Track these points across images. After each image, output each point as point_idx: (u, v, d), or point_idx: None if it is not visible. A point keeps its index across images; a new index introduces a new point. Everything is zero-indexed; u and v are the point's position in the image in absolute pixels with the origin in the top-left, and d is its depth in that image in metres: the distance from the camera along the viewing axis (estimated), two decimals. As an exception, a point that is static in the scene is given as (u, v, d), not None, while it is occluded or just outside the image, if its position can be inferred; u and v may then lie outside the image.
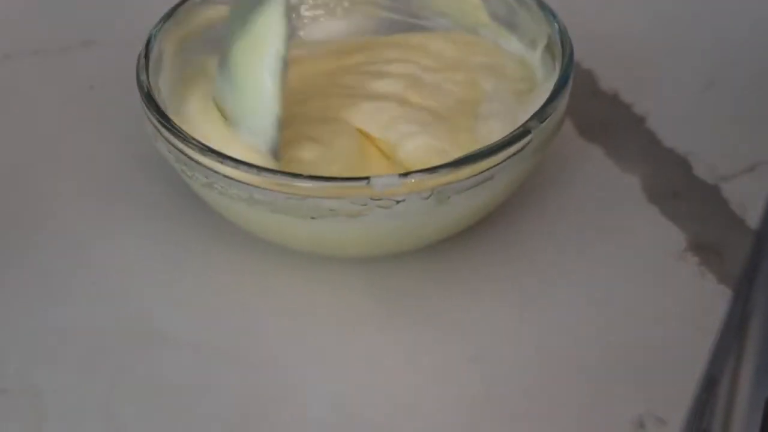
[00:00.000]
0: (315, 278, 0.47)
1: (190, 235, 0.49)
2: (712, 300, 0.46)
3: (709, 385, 0.45)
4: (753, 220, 0.49)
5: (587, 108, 0.54)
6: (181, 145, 0.45)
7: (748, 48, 0.57)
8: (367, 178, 0.43)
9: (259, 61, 0.46)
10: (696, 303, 0.46)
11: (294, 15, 0.54)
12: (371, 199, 0.43)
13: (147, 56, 0.48)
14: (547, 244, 0.48)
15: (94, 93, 0.56)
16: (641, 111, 0.54)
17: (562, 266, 0.47)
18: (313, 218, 0.44)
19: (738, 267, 0.47)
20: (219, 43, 0.47)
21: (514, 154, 0.44)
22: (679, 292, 0.46)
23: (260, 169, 0.44)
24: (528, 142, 0.44)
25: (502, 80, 0.50)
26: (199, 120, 0.47)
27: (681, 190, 0.50)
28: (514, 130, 0.45)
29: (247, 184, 0.44)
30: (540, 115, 0.45)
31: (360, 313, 0.46)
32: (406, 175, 0.43)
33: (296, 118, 0.48)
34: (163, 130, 0.45)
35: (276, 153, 0.46)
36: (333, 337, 0.45)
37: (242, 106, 0.47)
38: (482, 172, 0.44)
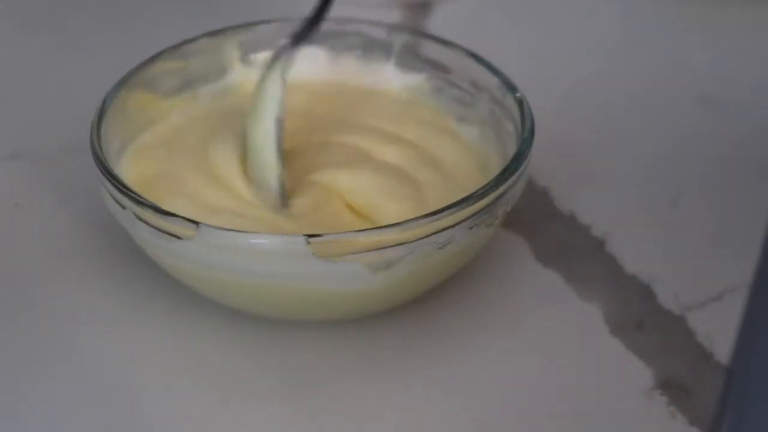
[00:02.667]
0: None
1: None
2: (684, 444, 0.43)
3: None
4: (721, 353, 0.46)
5: (544, 230, 0.52)
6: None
7: (711, 167, 0.55)
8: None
9: (261, 126, 0.48)
10: (667, 448, 0.43)
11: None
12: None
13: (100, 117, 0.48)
14: (500, 381, 0.46)
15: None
16: (600, 233, 0.52)
17: (520, 402, 0.45)
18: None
19: (710, 406, 0.44)
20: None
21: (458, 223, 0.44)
22: (648, 436, 0.43)
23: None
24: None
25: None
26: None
27: (645, 321, 0.48)
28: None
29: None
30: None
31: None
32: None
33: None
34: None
35: (283, 203, 0.48)
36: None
37: (253, 165, 0.48)
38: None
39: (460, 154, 0.50)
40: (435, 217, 0.44)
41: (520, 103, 0.49)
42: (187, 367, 0.46)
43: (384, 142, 0.51)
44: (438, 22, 0.63)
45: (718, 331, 0.47)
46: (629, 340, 0.47)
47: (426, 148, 0.51)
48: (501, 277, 0.49)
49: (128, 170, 0.49)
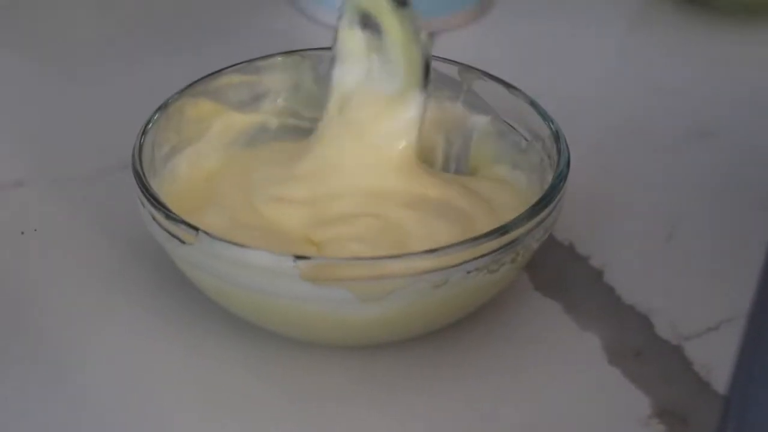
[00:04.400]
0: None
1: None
2: (682, 473, 0.44)
3: None
4: (718, 383, 0.47)
5: (543, 260, 0.52)
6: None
7: (707, 197, 0.56)
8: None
9: None
10: (664, 476, 0.43)
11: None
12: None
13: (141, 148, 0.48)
14: (499, 408, 0.46)
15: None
16: (599, 264, 0.52)
17: (519, 430, 0.45)
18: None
19: (706, 435, 0.45)
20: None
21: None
22: (646, 464, 0.44)
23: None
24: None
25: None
26: None
27: (643, 350, 0.48)
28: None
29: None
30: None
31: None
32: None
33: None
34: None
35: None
36: None
37: None
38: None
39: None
40: (429, 255, 0.43)
41: (567, 158, 0.48)
42: (184, 380, 0.47)
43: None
44: (442, 52, 0.63)
45: (716, 360, 0.47)
46: (627, 369, 0.47)
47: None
48: (500, 306, 0.49)
49: (176, 175, 0.50)
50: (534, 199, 0.47)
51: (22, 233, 0.53)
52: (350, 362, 0.47)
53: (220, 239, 0.44)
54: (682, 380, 0.47)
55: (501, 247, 0.45)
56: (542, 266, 0.52)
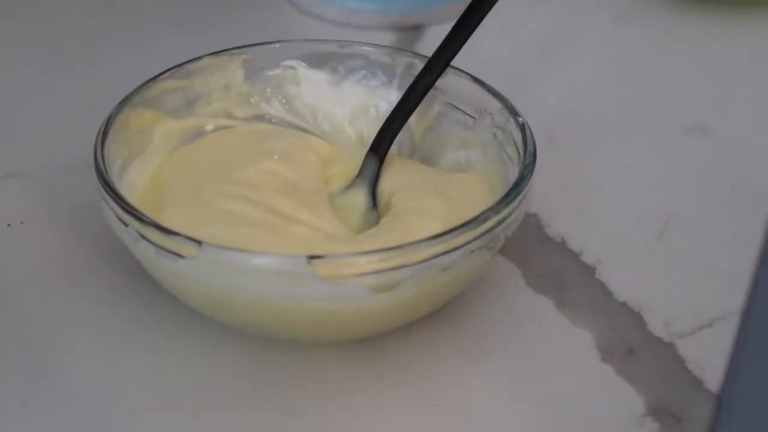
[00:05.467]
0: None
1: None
2: (675, 472, 0.43)
3: None
4: (711, 381, 0.46)
5: (535, 256, 0.52)
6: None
7: (700, 194, 0.56)
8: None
9: None
10: (657, 474, 0.43)
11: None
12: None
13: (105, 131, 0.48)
14: (493, 404, 0.46)
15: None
16: (591, 260, 0.52)
17: (511, 426, 0.45)
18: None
19: (700, 434, 0.44)
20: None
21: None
22: (639, 462, 0.44)
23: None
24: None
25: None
26: None
27: (636, 347, 0.48)
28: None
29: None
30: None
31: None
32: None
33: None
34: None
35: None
36: None
37: None
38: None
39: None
40: (438, 240, 0.44)
41: (523, 127, 0.49)
42: (184, 386, 0.46)
43: None
44: (430, 44, 0.63)
45: (709, 358, 0.47)
46: (620, 366, 0.47)
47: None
48: (494, 302, 0.49)
49: (132, 186, 0.49)
50: (497, 174, 0.50)
51: (8, 225, 0.52)
52: (350, 355, 0.47)
53: (227, 248, 0.43)
54: (675, 378, 0.47)
55: (498, 223, 0.46)
56: (535, 262, 0.51)
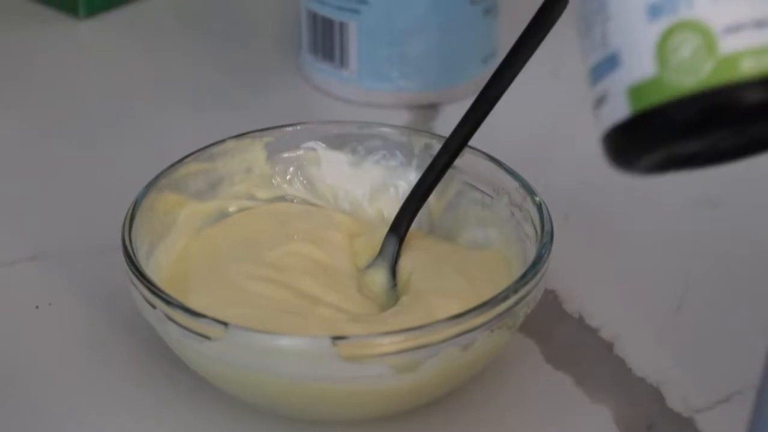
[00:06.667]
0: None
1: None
2: None
3: None
4: (730, 455, 0.47)
5: (553, 332, 0.52)
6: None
7: (715, 268, 0.56)
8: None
9: None
10: None
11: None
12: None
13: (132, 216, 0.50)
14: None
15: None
16: (609, 335, 0.52)
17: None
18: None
19: None
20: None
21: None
22: None
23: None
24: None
25: None
26: None
27: (655, 423, 0.48)
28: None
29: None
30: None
31: None
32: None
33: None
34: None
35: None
36: None
37: None
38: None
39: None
40: (458, 320, 0.45)
41: (540, 206, 0.50)
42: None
43: None
44: (446, 123, 0.64)
45: (727, 432, 0.48)
46: (640, 442, 0.48)
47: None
48: (513, 379, 0.50)
49: (158, 268, 0.50)
50: (515, 251, 0.51)
51: (37, 307, 0.54)
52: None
53: (253, 330, 0.44)
54: (694, 453, 0.47)
55: (517, 302, 0.47)
56: (553, 338, 0.52)
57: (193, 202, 0.53)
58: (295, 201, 0.55)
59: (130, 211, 0.50)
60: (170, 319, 0.46)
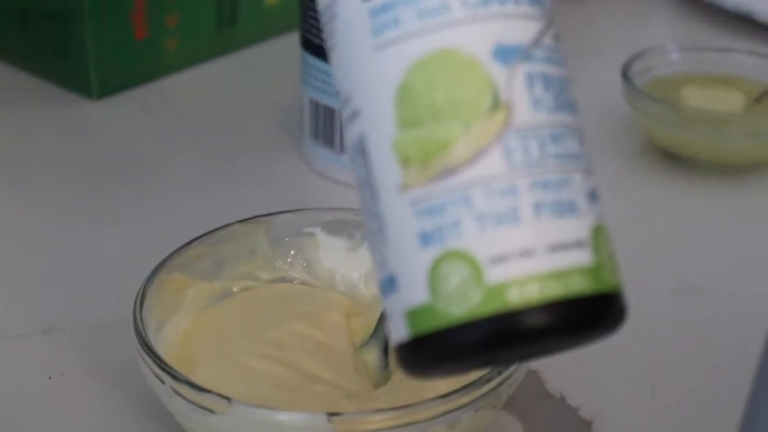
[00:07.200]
0: None
1: None
2: None
3: None
4: None
5: (535, 411, 0.55)
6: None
7: (690, 354, 0.59)
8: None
9: None
10: None
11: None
12: None
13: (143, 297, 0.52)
14: None
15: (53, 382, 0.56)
16: (588, 415, 0.55)
17: None
18: None
19: None
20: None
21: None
22: None
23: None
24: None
25: None
26: None
27: (629, 500, 0.51)
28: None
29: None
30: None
31: None
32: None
33: None
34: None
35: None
36: None
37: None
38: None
39: None
40: (445, 399, 0.48)
41: None
42: None
43: None
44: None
45: None
46: None
47: None
48: (496, 455, 0.53)
49: (166, 345, 0.53)
50: None
51: (50, 378, 0.56)
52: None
53: (255, 405, 0.47)
54: None
55: (501, 383, 0.50)
56: (535, 416, 0.55)
57: (200, 282, 0.56)
58: (295, 282, 0.59)
59: (141, 291, 0.53)
60: (178, 393, 0.49)
